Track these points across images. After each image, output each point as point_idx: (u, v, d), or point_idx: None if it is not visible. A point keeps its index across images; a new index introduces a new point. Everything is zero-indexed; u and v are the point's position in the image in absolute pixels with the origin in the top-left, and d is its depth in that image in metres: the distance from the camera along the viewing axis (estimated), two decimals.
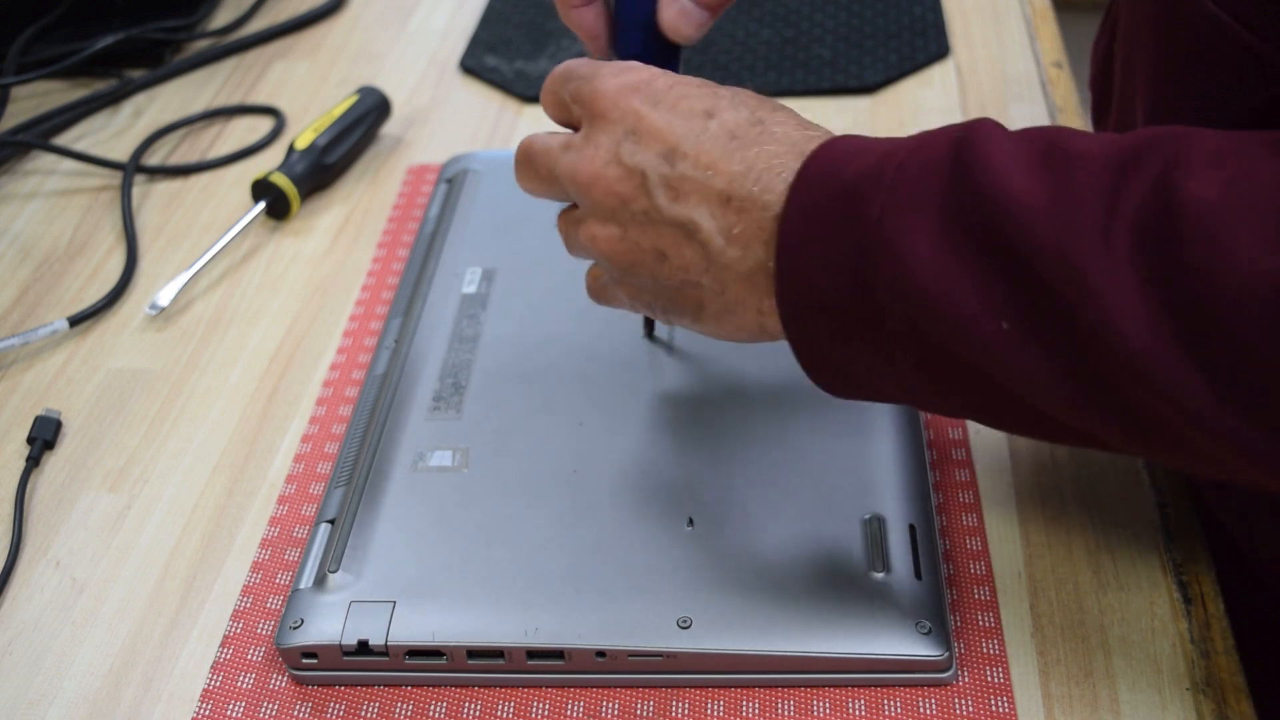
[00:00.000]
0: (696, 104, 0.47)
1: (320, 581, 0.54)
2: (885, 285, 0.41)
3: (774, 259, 0.44)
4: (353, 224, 0.79)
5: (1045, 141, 0.40)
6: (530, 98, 0.89)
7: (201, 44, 0.99)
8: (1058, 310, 0.38)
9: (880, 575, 0.52)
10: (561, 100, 0.51)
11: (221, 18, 1.02)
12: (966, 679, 0.51)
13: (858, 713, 0.50)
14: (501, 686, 0.52)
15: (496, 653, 0.51)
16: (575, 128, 0.50)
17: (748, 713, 0.50)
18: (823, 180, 0.44)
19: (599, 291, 0.54)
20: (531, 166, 0.51)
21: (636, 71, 0.49)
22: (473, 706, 0.52)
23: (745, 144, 0.46)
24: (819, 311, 0.44)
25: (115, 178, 0.85)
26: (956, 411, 0.45)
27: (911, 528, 0.53)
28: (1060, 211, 0.38)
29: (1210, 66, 0.49)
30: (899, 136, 0.44)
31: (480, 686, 0.52)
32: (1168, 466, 0.41)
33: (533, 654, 0.51)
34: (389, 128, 0.87)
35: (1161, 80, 0.54)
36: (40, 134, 0.89)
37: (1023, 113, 0.83)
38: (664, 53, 0.54)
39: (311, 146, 0.80)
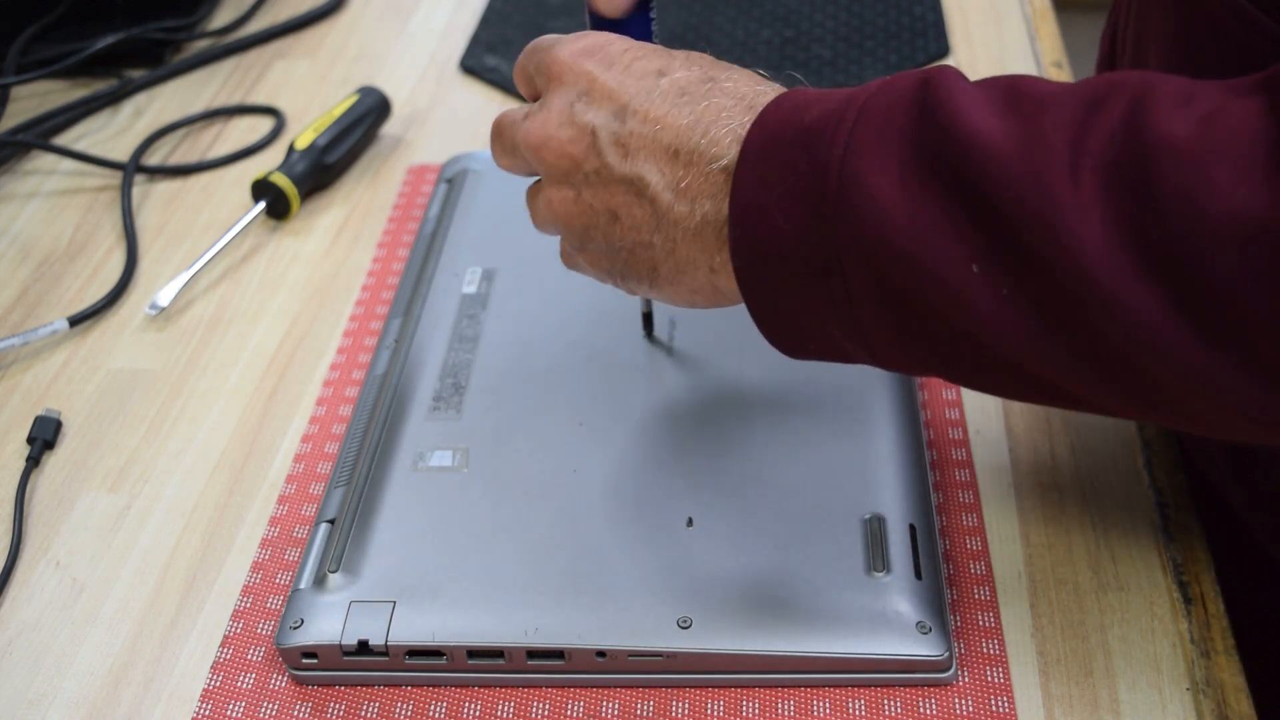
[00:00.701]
0: (649, 64, 0.47)
1: (320, 581, 0.54)
2: (848, 228, 0.40)
3: (727, 207, 0.44)
4: (353, 224, 0.79)
5: (1010, 86, 0.40)
6: None
7: (201, 44, 0.99)
8: (1027, 251, 0.38)
9: (880, 575, 0.52)
10: (528, 74, 0.51)
11: (221, 18, 1.02)
12: (966, 679, 0.51)
13: (858, 713, 0.50)
14: (501, 686, 0.52)
15: (496, 653, 0.51)
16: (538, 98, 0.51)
17: (748, 713, 0.50)
18: (780, 126, 0.43)
19: (567, 258, 0.53)
20: (500, 140, 0.52)
21: (593, 38, 0.49)
22: (473, 706, 0.52)
23: (694, 99, 0.46)
24: (776, 260, 0.42)
25: (115, 178, 0.85)
26: (919, 367, 0.43)
27: (911, 528, 0.54)
28: (1027, 152, 0.37)
29: (1226, 51, 0.49)
30: (868, 83, 0.44)
31: (480, 686, 0.52)
32: (1138, 419, 0.40)
33: (533, 654, 0.51)
34: (389, 128, 0.87)
35: (1176, 65, 0.53)
36: (40, 134, 0.89)
37: None
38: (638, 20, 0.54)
39: (311, 146, 0.80)
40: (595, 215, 0.48)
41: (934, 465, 0.59)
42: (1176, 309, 0.36)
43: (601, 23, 0.54)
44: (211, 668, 0.54)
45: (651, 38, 0.54)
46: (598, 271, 0.51)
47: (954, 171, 0.39)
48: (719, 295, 0.47)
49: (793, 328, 0.44)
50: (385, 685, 0.53)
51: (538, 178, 0.51)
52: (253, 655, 0.55)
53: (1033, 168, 0.37)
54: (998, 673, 0.51)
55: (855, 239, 0.40)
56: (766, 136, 0.43)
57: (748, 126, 0.44)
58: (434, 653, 0.52)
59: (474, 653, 0.51)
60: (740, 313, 0.65)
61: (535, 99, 0.51)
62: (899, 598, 0.51)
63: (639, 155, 0.46)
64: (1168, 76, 0.38)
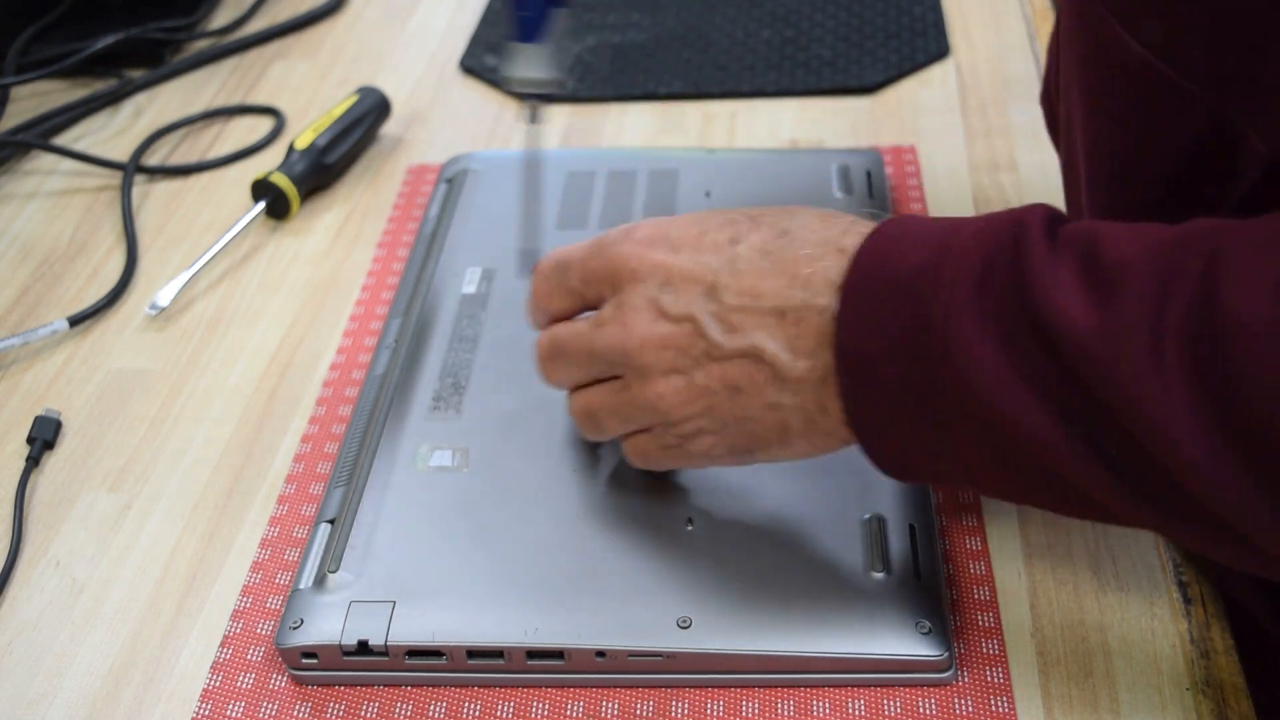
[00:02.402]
0: (719, 235, 0.48)
1: (320, 581, 0.54)
2: (952, 387, 0.41)
3: (833, 355, 0.44)
4: (353, 224, 0.79)
5: (1090, 247, 0.40)
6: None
7: (201, 44, 0.99)
8: (1117, 430, 0.38)
9: (880, 575, 0.52)
10: (569, 288, 0.51)
11: (221, 18, 1.02)
12: (966, 679, 0.50)
13: (858, 713, 0.50)
14: (501, 686, 0.52)
15: (496, 653, 0.51)
16: (589, 307, 0.50)
17: (748, 713, 0.50)
18: (876, 272, 0.43)
19: (651, 455, 0.51)
20: (565, 355, 0.51)
21: (644, 228, 0.49)
22: (472, 706, 0.52)
23: (779, 257, 0.46)
24: (885, 404, 0.43)
25: (115, 178, 0.85)
26: (1027, 502, 0.45)
27: (911, 528, 0.53)
28: (1108, 333, 0.38)
29: (1138, 104, 0.49)
30: (945, 221, 0.44)
31: (480, 686, 0.52)
32: (1240, 567, 0.42)
33: (532, 654, 0.51)
34: (389, 128, 0.87)
35: (1094, 114, 0.54)
36: (40, 134, 0.89)
37: (1023, 112, 0.83)
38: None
39: (311, 146, 0.80)
40: (714, 395, 0.47)
41: None
42: (1260, 490, 0.36)
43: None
44: (211, 668, 0.54)
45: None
46: (718, 451, 0.50)
47: (1045, 349, 0.39)
48: (854, 438, 0.47)
49: (903, 463, 0.46)
50: (385, 685, 0.53)
51: (581, 385, 0.52)
52: (252, 655, 0.55)
53: (1115, 351, 0.38)
54: (997, 673, 0.51)
55: (958, 397, 0.41)
56: (864, 284, 0.43)
57: (843, 270, 0.44)
58: (434, 653, 0.52)
59: (473, 653, 0.51)
60: None
61: (579, 310, 0.51)
62: (899, 598, 0.51)
63: (746, 326, 0.46)
64: (1240, 226, 0.38)
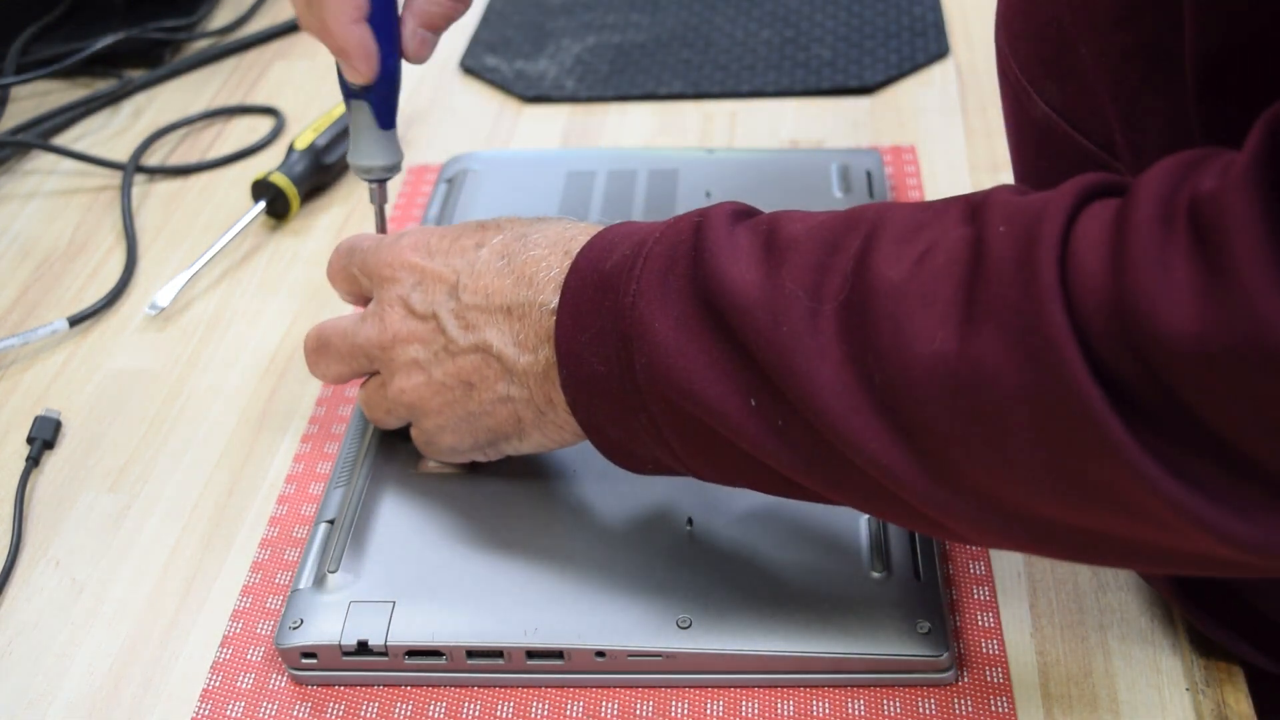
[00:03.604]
0: (467, 241, 0.52)
1: (320, 582, 0.54)
2: (642, 370, 0.44)
3: (553, 351, 0.47)
4: (353, 224, 0.79)
5: (769, 230, 0.43)
6: (530, 98, 0.89)
7: (201, 44, 0.99)
8: (782, 393, 0.41)
9: (880, 575, 0.52)
10: (349, 274, 0.55)
11: (221, 18, 1.02)
12: (966, 679, 0.51)
13: (857, 713, 0.50)
14: (501, 686, 0.52)
15: (496, 653, 0.51)
16: (362, 299, 0.55)
17: (748, 713, 0.50)
18: (587, 272, 0.46)
19: (426, 447, 0.56)
20: (330, 349, 0.55)
21: (412, 236, 0.53)
22: (472, 706, 0.52)
23: (514, 258, 0.50)
24: (597, 396, 0.46)
25: (115, 178, 0.85)
26: (733, 482, 0.47)
27: None
28: (772, 300, 0.41)
29: (1052, 160, 0.51)
30: (654, 223, 0.47)
31: (480, 686, 0.52)
32: (909, 528, 0.44)
33: (532, 654, 0.51)
34: None
35: (1019, 164, 0.57)
36: (40, 134, 0.89)
37: None
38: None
39: (311, 146, 0.80)
40: (451, 390, 0.51)
41: None
42: (903, 444, 0.39)
43: (351, 91, 0.58)
44: (211, 668, 0.54)
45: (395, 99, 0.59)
46: (461, 446, 0.54)
47: (720, 319, 0.42)
48: (579, 430, 0.49)
49: (627, 453, 0.48)
50: (385, 685, 0.53)
51: (368, 376, 0.56)
52: (252, 655, 0.55)
53: (774, 316, 0.40)
54: (997, 673, 0.51)
55: (649, 379, 0.44)
56: (578, 283, 0.47)
57: (565, 270, 0.47)
58: (433, 653, 0.52)
59: (473, 653, 0.51)
60: None
61: (356, 297, 0.56)
62: (899, 598, 0.51)
63: (479, 322, 0.50)
64: (904, 207, 0.41)
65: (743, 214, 0.45)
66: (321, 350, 0.56)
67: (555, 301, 0.47)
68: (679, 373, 0.43)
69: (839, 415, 0.39)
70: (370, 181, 0.61)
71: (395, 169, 0.61)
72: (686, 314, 0.43)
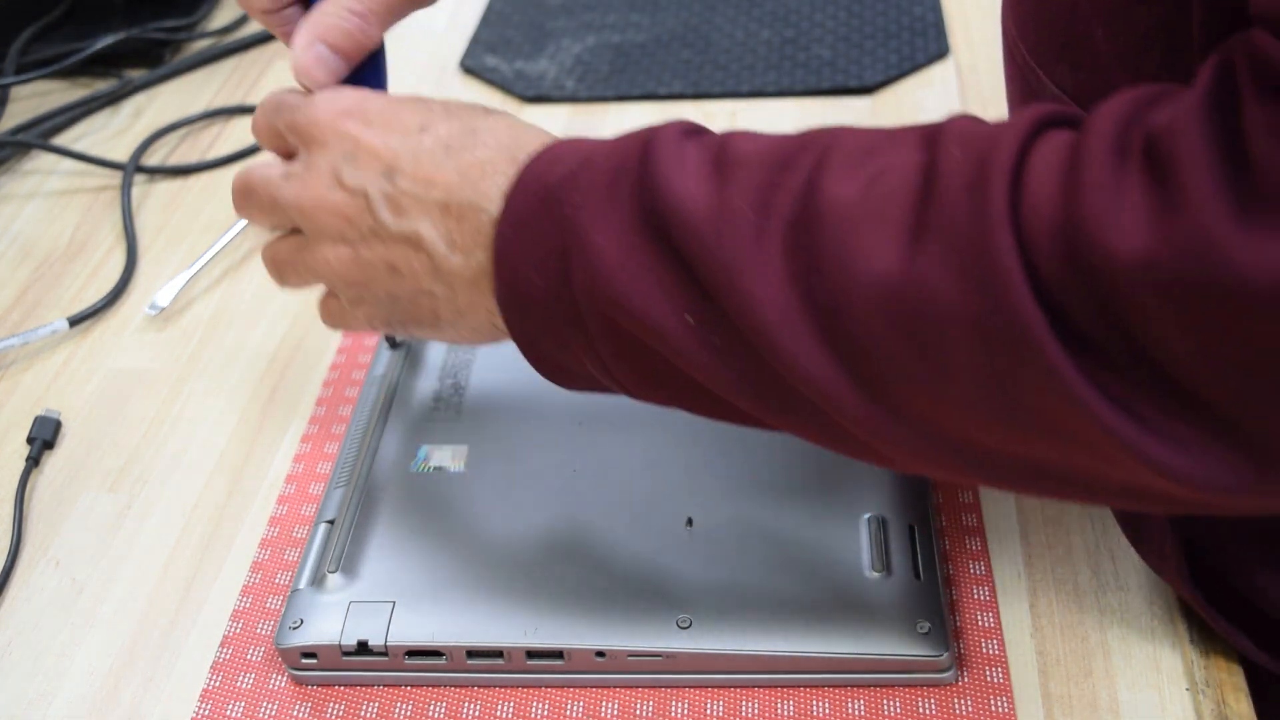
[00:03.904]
0: (410, 120, 0.49)
1: (319, 582, 0.54)
2: (581, 283, 0.43)
3: (487, 257, 0.46)
4: None
5: (721, 147, 0.42)
6: (530, 98, 0.89)
7: (201, 44, 0.99)
8: (722, 309, 0.40)
9: (880, 575, 0.52)
10: (275, 130, 0.52)
11: (221, 18, 1.02)
12: (966, 679, 0.50)
13: (857, 713, 0.50)
14: (501, 686, 0.52)
15: (496, 653, 0.51)
16: (291, 155, 0.51)
17: (748, 713, 0.50)
18: (532, 183, 0.45)
19: (335, 315, 0.54)
20: (253, 197, 0.52)
21: (348, 95, 0.50)
22: (472, 706, 0.52)
23: (459, 153, 0.47)
24: (534, 309, 0.45)
25: (115, 178, 0.85)
26: (665, 401, 0.46)
27: (911, 528, 0.53)
28: (718, 215, 0.40)
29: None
30: (603, 140, 0.46)
31: (480, 686, 0.52)
32: (843, 455, 0.44)
33: (532, 654, 0.51)
34: None
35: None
36: (40, 134, 0.89)
37: None
38: (367, 67, 0.55)
39: None
40: (374, 270, 0.49)
41: None
42: (841, 365, 0.38)
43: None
44: (211, 668, 0.54)
45: (384, 83, 0.57)
46: (374, 321, 0.52)
47: (663, 233, 0.41)
48: (499, 333, 0.49)
49: (558, 366, 0.47)
50: (385, 685, 0.53)
51: (277, 234, 0.54)
52: (252, 655, 0.55)
53: (719, 231, 0.40)
54: (997, 673, 0.51)
55: (587, 292, 0.43)
56: (522, 194, 0.45)
57: (511, 178, 0.46)
58: (433, 653, 0.52)
59: (473, 653, 0.51)
60: None
61: (281, 152, 0.52)
62: (899, 598, 0.51)
63: (412, 212, 0.48)
64: (855, 132, 0.41)
65: (694, 131, 0.44)
66: (245, 195, 0.53)
67: (496, 209, 0.46)
68: (617, 286, 0.42)
69: (777, 333, 0.39)
70: None
71: None
72: (629, 227, 0.42)
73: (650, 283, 0.41)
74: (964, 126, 0.38)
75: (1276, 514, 0.38)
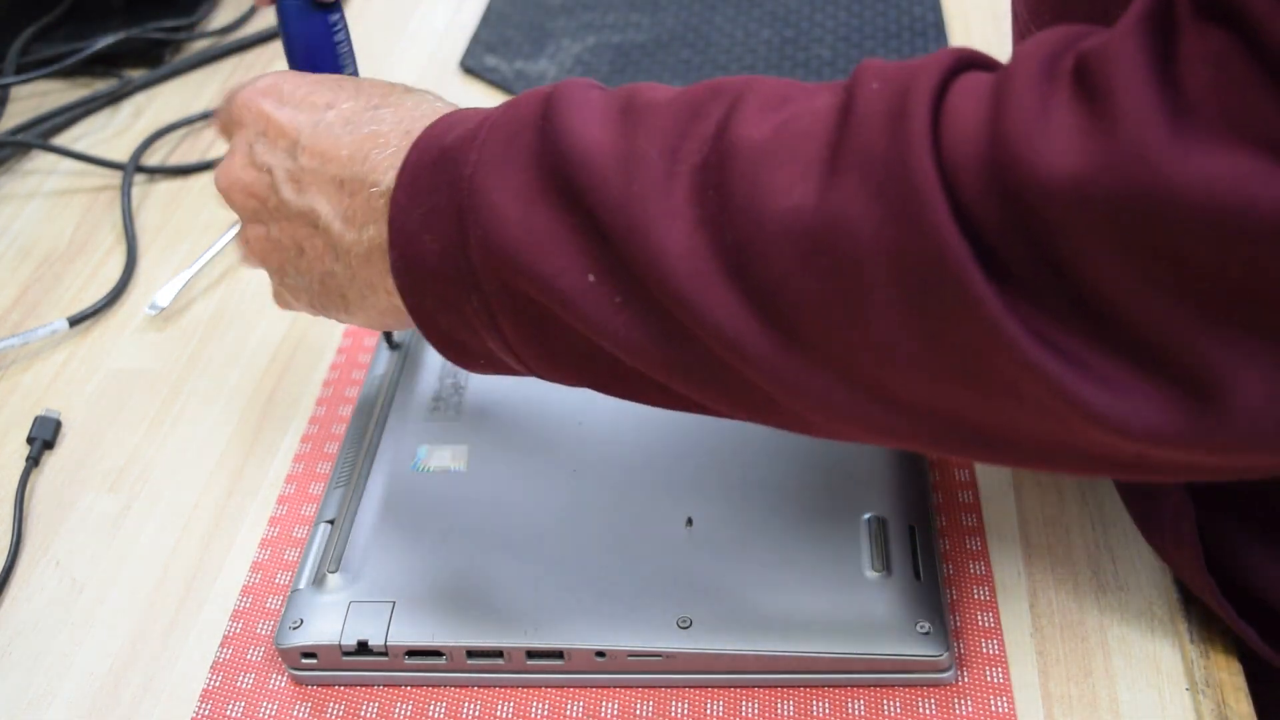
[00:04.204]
0: (319, 98, 0.49)
1: (319, 582, 0.54)
2: (477, 244, 0.41)
3: (380, 232, 0.45)
4: None
5: (628, 96, 0.41)
6: None
7: (201, 44, 0.99)
8: (627, 260, 0.38)
9: (880, 575, 0.52)
10: (222, 116, 0.52)
11: (221, 18, 1.02)
12: (966, 679, 0.50)
13: (857, 713, 0.50)
14: (501, 686, 0.52)
15: (496, 653, 0.51)
16: None
17: (748, 713, 0.50)
18: (428, 149, 0.44)
19: (277, 296, 0.53)
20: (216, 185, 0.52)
21: (269, 78, 0.50)
22: (472, 706, 0.52)
23: (356, 128, 0.47)
24: (429, 279, 0.43)
25: (115, 178, 0.85)
26: (572, 380, 0.44)
27: (911, 528, 0.53)
28: (624, 160, 0.38)
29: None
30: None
31: (480, 686, 0.52)
32: (758, 423, 0.41)
33: (532, 654, 0.51)
34: None
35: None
36: (40, 134, 0.89)
37: None
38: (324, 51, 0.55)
39: None
40: (285, 250, 0.49)
41: (934, 465, 0.59)
42: (753, 311, 0.36)
43: (293, 21, 0.55)
44: (211, 668, 0.54)
45: (334, 42, 0.56)
46: (301, 304, 0.52)
47: (565, 184, 0.39)
48: (403, 316, 0.47)
49: (456, 343, 0.45)
50: (385, 685, 0.53)
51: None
52: (252, 655, 0.55)
53: (625, 177, 0.38)
54: (997, 673, 0.51)
55: (484, 254, 0.41)
56: (416, 160, 0.44)
57: (403, 153, 0.44)
58: (433, 653, 0.52)
59: (473, 653, 0.51)
60: None
61: (228, 132, 0.52)
62: (899, 598, 0.51)
63: (310, 189, 0.47)
64: (768, 80, 0.39)
65: (597, 85, 0.43)
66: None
67: (386, 182, 0.44)
68: (514, 244, 0.40)
69: (684, 280, 0.37)
70: None
71: None
72: (529, 181, 0.40)
73: (550, 240, 0.40)
74: (881, 64, 0.37)
75: (1217, 479, 0.36)
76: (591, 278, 0.39)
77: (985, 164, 0.32)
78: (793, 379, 0.37)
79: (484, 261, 0.41)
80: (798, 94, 0.38)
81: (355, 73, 0.56)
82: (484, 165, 0.41)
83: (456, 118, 0.45)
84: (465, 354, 0.46)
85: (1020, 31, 0.55)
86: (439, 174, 0.43)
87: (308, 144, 0.47)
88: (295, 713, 0.52)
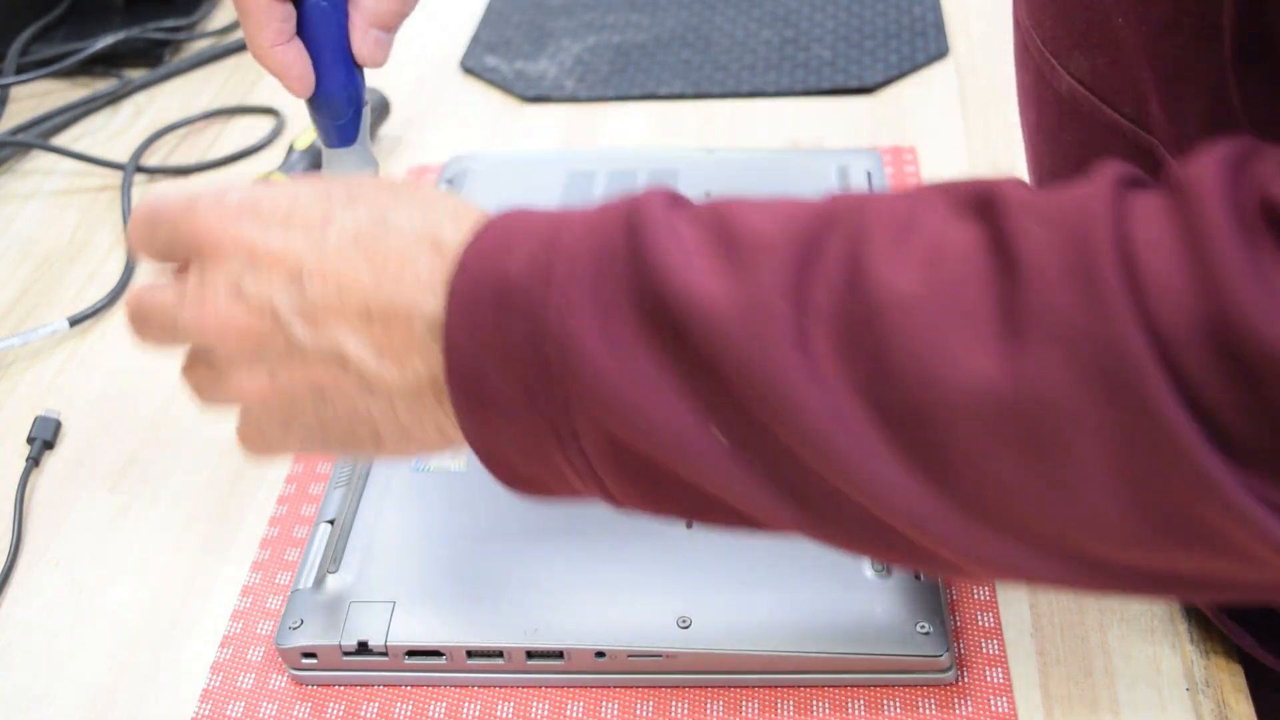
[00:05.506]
0: (312, 213, 0.42)
1: (320, 582, 0.54)
2: (578, 397, 0.37)
3: (442, 368, 0.39)
4: None
5: (720, 224, 0.37)
6: (530, 98, 0.89)
7: (201, 44, 0.99)
8: (758, 417, 0.35)
9: (880, 575, 0.52)
10: (157, 245, 0.45)
11: (221, 18, 1.02)
12: (966, 679, 0.51)
13: (858, 713, 0.50)
14: (501, 686, 0.52)
15: (496, 653, 0.51)
16: (181, 268, 0.45)
17: (748, 713, 0.50)
18: (480, 277, 0.39)
19: (256, 443, 0.46)
20: (149, 324, 0.45)
21: (237, 194, 0.43)
22: (472, 706, 0.52)
23: (371, 245, 0.41)
24: (506, 424, 0.39)
25: (115, 178, 0.85)
26: (676, 519, 0.41)
27: None
28: (745, 309, 0.35)
29: (1075, 134, 0.50)
30: (555, 213, 0.40)
31: (480, 686, 0.52)
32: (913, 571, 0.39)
33: (532, 654, 0.51)
34: (389, 128, 0.87)
35: (1038, 140, 0.55)
36: (40, 134, 0.89)
37: None
38: (358, 78, 0.55)
39: (311, 147, 0.80)
40: (298, 395, 0.42)
41: None
42: (926, 480, 0.34)
43: (331, 77, 0.53)
44: (211, 668, 0.54)
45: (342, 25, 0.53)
46: (309, 448, 0.45)
47: (674, 332, 0.35)
48: (454, 444, 0.42)
49: (534, 483, 0.41)
50: (385, 685, 0.53)
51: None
52: (252, 655, 0.55)
53: (756, 332, 0.34)
54: (997, 673, 0.51)
55: (587, 408, 0.37)
56: (469, 290, 0.39)
57: (440, 271, 0.40)
58: (433, 653, 0.52)
59: (473, 653, 0.51)
60: None
61: (169, 260, 0.46)
62: (899, 598, 0.51)
63: (330, 323, 0.41)
64: (877, 200, 0.36)
65: (677, 202, 0.38)
66: (141, 322, 0.46)
67: (427, 309, 0.39)
68: (623, 402, 0.36)
69: (837, 444, 0.34)
70: None
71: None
72: (630, 331, 0.36)
73: (665, 396, 0.36)
74: (1024, 197, 0.34)
75: None
76: (718, 433, 0.36)
77: (1207, 336, 0.30)
78: (978, 548, 0.35)
79: (583, 416, 0.37)
80: (920, 215, 0.35)
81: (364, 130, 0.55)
82: (572, 310, 0.37)
83: (504, 233, 0.40)
84: (537, 488, 0.42)
85: (1022, 41, 0.54)
86: (508, 313, 0.38)
87: (315, 271, 0.41)
88: (295, 713, 0.52)
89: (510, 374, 0.38)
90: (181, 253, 0.44)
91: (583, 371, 0.37)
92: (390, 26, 0.53)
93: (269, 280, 0.41)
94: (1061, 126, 0.51)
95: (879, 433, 0.34)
